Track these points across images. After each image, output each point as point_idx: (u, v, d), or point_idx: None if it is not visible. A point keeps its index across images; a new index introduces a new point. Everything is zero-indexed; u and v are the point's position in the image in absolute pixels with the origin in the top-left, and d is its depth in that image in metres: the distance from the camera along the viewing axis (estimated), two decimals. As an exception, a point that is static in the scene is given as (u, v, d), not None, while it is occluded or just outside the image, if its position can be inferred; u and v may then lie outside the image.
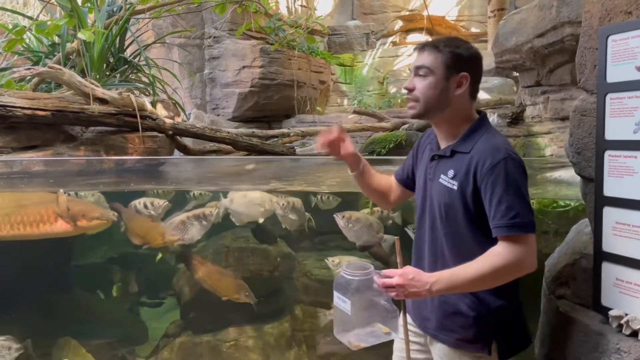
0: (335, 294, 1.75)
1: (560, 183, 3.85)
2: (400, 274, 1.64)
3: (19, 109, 4.01)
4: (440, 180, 1.76)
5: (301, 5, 12.38)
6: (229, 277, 4.26)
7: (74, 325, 4.46)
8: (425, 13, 13.33)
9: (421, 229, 1.88)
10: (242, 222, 4.34)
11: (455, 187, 1.70)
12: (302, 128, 7.82)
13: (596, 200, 1.68)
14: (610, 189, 1.63)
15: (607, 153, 1.63)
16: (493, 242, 1.64)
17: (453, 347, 1.78)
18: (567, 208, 3.33)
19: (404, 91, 1.83)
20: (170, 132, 4.92)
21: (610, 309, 1.63)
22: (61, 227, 3.71)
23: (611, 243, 1.64)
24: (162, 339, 4.53)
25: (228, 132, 5.47)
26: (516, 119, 5.52)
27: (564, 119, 4.78)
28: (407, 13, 14.63)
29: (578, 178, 1.90)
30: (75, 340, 4.21)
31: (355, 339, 1.75)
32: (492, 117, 5.64)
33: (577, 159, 1.82)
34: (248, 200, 4.26)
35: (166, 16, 7.27)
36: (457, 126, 1.77)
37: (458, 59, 1.72)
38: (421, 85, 1.74)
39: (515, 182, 1.61)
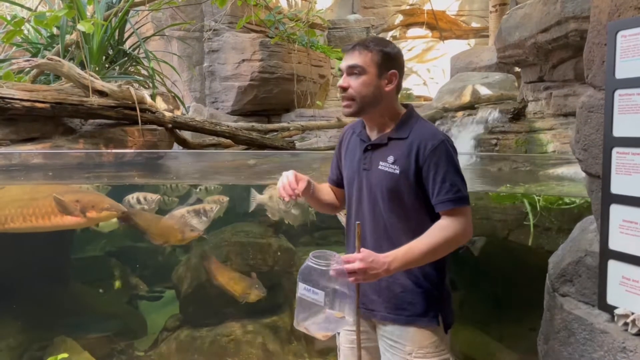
0: (302, 285, 1.75)
1: (563, 180, 3.84)
2: (361, 258, 1.69)
3: (17, 101, 3.99)
4: (380, 167, 1.86)
5: (301, -1, 12.31)
6: (240, 275, 4.28)
7: (72, 318, 4.46)
8: (427, 7, 13.27)
9: (358, 216, 1.94)
10: (298, 223, 4.38)
11: (397, 171, 1.82)
12: (301, 122, 7.80)
13: (603, 198, 1.67)
14: (618, 186, 1.61)
15: (615, 150, 1.61)
16: (436, 216, 1.81)
17: (405, 324, 1.89)
18: (572, 205, 3.32)
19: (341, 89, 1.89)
20: (170, 126, 4.89)
21: (616, 308, 1.62)
22: (72, 219, 3.74)
23: (618, 241, 1.62)
24: (161, 332, 4.53)
25: (228, 126, 5.45)
26: (518, 114, 5.50)
27: (566, 115, 4.76)
28: (408, 7, 14.58)
29: (581, 175, 1.88)
30: (73, 335, 4.20)
31: (316, 328, 1.76)
32: (494, 113, 5.62)
33: (583, 155, 1.80)
34: (302, 202, 4.26)
35: (166, 8, 7.23)
36: (389, 119, 1.90)
37: (388, 58, 1.84)
38: (356, 83, 1.83)
39: (454, 161, 1.81)
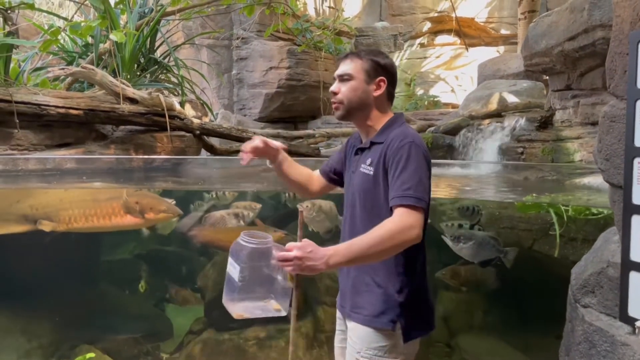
0: (229, 260, 1.74)
1: (590, 189, 3.78)
2: (299, 247, 1.65)
3: (52, 108, 4.14)
4: (361, 169, 1.94)
5: (329, 7, 12.39)
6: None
7: (102, 319, 4.56)
8: (453, 15, 13.20)
9: (347, 218, 2.01)
10: (324, 230, 4.41)
11: (371, 173, 1.88)
12: (327, 129, 7.84)
13: (625, 208, 1.65)
14: (639, 197, 1.60)
15: (637, 160, 1.59)
16: None
17: (362, 323, 1.90)
18: (599, 216, 3.25)
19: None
20: (198, 132, 5.00)
21: (637, 320, 1.60)
22: (131, 220, 3.93)
23: (639, 252, 1.61)
24: (187, 335, 4.60)
25: (254, 133, 5.53)
26: (545, 123, 5.42)
27: (594, 124, 4.68)
28: (436, 14, 14.50)
29: (607, 185, 1.86)
30: (102, 335, 4.31)
31: (242, 309, 1.73)
32: (520, 121, 5.56)
33: (605, 165, 1.79)
34: (329, 208, 4.30)
35: (196, 17, 7.38)
36: (376, 123, 1.96)
37: (377, 65, 1.94)
38: (344, 88, 1.93)
39: (415, 162, 1.79)
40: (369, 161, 1.91)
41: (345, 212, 2.04)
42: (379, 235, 1.70)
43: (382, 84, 1.94)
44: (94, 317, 4.56)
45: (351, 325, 1.96)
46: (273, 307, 1.75)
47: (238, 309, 1.74)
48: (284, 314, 1.78)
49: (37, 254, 4.25)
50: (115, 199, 4.00)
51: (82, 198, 4.07)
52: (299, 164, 2.24)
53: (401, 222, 1.72)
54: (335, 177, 2.18)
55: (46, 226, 3.90)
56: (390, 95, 1.99)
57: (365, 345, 1.89)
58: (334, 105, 1.98)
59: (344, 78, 1.95)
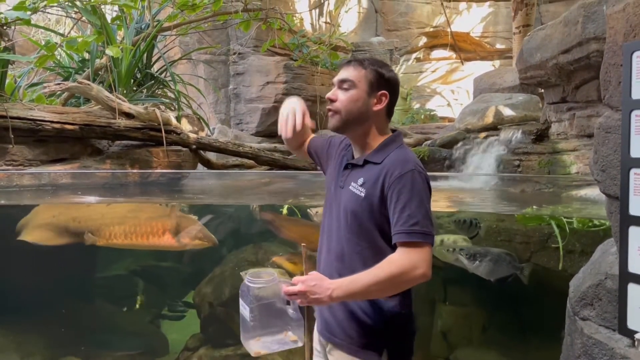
0: (240, 301, 1.79)
1: (587, 201, 3.78)
2: (303, 281, 1.68)
3: (48, 123, 4.13)
4: (350, 187, 1.82)
5: (325, 22, 12.49)
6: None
7: (97, 336, 4.52)
8: (448, 29, 13.32)
9: (326, 233, 1.92)
10: None
11: (362, 194, 1.77)
12: (324, 143, 7.83)
13: (621, 220, 1.64)
14: (636, 208, 1.59)
15: (633, 171, 1.59)
16: (394, 249, 1.70)
17: (347, 352, 1.82)
18: (601, 227, 3.23)
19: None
20: (194, 147, 4.99)
21: (636, 332, 1.58)
22: (167, 241, 3.96)
23: (637, 264, 1.59)
24: (183, 352, 4.55)
25: (250, 147, 5.53)
26: (541, 135, 5.44)
27: (590, 136, 4.69)
28: (431, 29, 14.63)
29: (604, 196, 1.85)
30: (97, 352, 4.27)
31: (260, 346, 1.77)
32: (517, 134, 5.57)
33: (601, 176, 1.79)
34: None
35: (192, 33, 7.42)
36: (373, 140, 1.86)
37: (380, 78, 1.82)
38: (344, 97, 1.81)
39: (420, 193, 1.71)
40: (360, 181, 1.79)
41: (324, 219, 1.95)
42: (383, 275, 1.65)
43: (383, 98, 1.82)
44: (89, 334, 4.51)
45: (336, 353, 1.86)
46: (290, 339, 1.79)
47: (255, 346, 1.78)
48: (300, 344, 1.82)
49: (32, 269, 4.21)
50: (155, 218, 4.04)
51: (123, 214, 4.12)
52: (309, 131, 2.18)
53: (408, 261, 1.65)
54: (314, 154, 2.16)
55: (89, 240, 3.97)
56: (389, 111, 1.88)
57: None
58: (329, 113, 1.84)
59: (344, 85, 1.81)
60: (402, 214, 1.68)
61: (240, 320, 1.81)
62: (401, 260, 1.66)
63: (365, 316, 1.80)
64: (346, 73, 1.83)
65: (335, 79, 1.86)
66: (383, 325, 1.79)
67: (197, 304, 4.82)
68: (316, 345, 1.96)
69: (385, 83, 1.83)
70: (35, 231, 4.06)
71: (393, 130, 1.93)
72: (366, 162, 1.83)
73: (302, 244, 1.81)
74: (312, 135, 2.21)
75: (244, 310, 1.77)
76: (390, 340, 1.81)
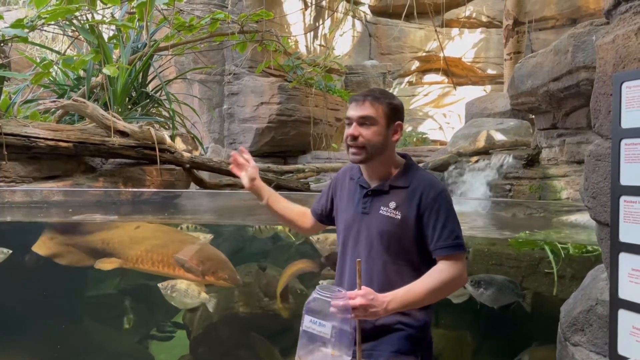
0: (309, 318, 1.73)
1: (577, 227, 3.81)
2: (363, 295, 1.74)
3: (42, 140, 4.12)
4: (381, 212, 1.94)
5: (320, 45, 12.64)
6: None
7: (82, 356, 4.44)
8: (441, 54, 13.51)
9: (354, 257, 1.95)
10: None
11: (398, 217, 1.91)
12: (317, 164, 7.88)
13: (612, 246, 1.67)
14: (626, 234, 1.61)
15: (623, 199, 1.62)
16: (430, 262, 1.88)
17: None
18: (594, 253, 3.26)
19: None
20: (188, 165, 4.99)
21: (627, 358, 1.59)
22: (191, 276, 3.93)
23: (627, 290, 1.61)
24: (171, 373, 4.48)
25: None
26: (532, 161, 5.50)
27: (580, 162, 4.75)
28: (424, 54, 14.85)
29: (594, 222, 1.88)
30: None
31: None
32: (508, 159, 5.63)
33: (592, 203, 1.81)
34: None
35: (188, 53, 7.48)
36: (389, 167, 1.99)
37: (395, 110, 1.96)
38: (367, 133, 1.91)
39: (453, 210, 1.91)
40: (392, 205, 1.92)
41: (351, 249, 2.01)
42: (436, 283, 1.82)
43: (399, 129, 1.97)
44: (75, 354, 4.43)
45: None
46: (332, 354, 1.73)
47: None
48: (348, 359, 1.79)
49: (19, 288, 4.15)
50: (188, 253, 4.02)
51: (151, 240, 4.10)
52: (288, 201, 2.26)
53: (455, 270, 1.84)
54: (325, 218, 2.21)
55: (112, 264, 3.99)
56: (399, 138, 2.02)
57: None
58: (353, 150, 1.93)
59: (365, 122, 1.90)
60: (444, 230, 1.86)
61: (302, 336, 1.74)
62: (450, 269, 1.84)
63: (403, 325, 1.91)
64: (365, 110, 1.91)
65: (354, 115, 1.93)
66: (418, 332, 1.93)
67: (187, 324, 4.76)
68: None
69: (398, 114, 1.97)
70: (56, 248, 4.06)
71: (402, 156, 2.06)
72: (392, 187, 1.96)
73: (358, 259, 1.81)
74: (307, 210, 2.28)
75: (314, 325, 1.72)
76: (423, 346, 1.96)
